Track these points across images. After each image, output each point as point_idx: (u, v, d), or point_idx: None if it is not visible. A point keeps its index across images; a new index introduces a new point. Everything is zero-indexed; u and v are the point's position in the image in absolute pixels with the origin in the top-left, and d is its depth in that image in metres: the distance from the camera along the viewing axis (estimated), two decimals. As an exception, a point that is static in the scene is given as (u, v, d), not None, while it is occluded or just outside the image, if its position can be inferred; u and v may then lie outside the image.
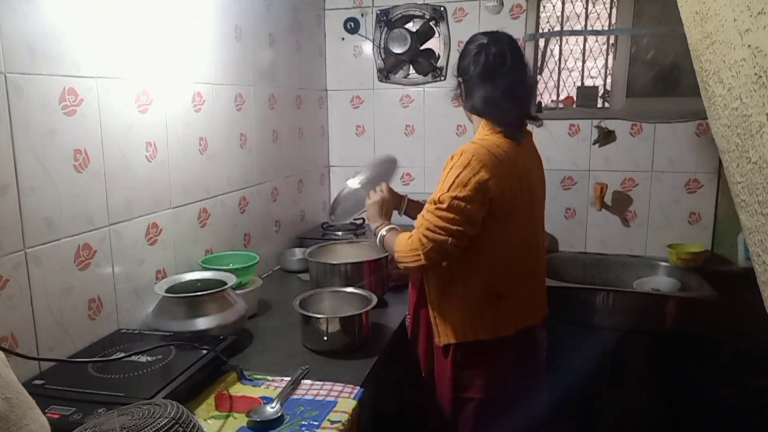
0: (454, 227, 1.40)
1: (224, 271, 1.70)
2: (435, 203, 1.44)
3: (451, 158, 1.46)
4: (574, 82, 2.74)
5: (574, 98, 2.64)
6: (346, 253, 2.02)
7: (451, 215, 1.40)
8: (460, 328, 1.52)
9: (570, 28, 2.65)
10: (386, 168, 2.01)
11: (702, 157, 2.45)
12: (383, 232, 1.63)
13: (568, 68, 2.74)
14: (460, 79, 1.58)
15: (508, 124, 1.52)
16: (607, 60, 2.63)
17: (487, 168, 1.40)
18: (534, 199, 1.58)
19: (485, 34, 1.56)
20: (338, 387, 1.33)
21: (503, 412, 1.58)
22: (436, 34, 2.68)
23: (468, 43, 1.59)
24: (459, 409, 1.58)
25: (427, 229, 1.43)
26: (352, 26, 2.77)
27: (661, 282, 2.37)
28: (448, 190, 1.41)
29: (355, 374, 1.40)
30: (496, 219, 1.46)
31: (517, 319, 1.56)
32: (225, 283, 1.58)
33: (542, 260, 1.66)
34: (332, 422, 1.20)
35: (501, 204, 1.45)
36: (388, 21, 2.69)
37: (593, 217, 2.62)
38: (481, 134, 1.54)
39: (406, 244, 1.49)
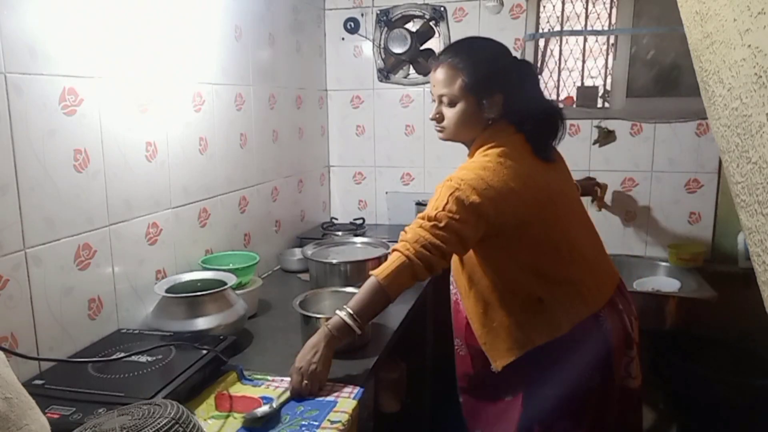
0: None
1: (224, 271, 1.70)
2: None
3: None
4: (574, 82, 2.74)
5: (574, 98, 2.64)
6: (346, 253, 2.02)
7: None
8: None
9: (570, 28, 2.65)
10: None
11: (702, 157, 2.45)
12: (340, 312, 1.36)
13: (568, 68, 2.74)
14: (497, 95, 1.43)
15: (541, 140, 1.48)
16: (607, 60, 2.63)
17: (477, 192, 1.33)
18: (558, 204, 1.53)
19: (498, 42, 1.50)
20: (338, 387, 1.33)
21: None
22: (436, 34, 2.68)
23: (494, 54, 1.47)
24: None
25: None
26: (352, 26, 2.77)
27: (661, 282, 2.37)
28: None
29: (355, 374, 1.40)
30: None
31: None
32: (225, 283, 1.58)
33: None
34: (332, 422, 1.19)
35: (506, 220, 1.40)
36: (388, 21, 2.69)
37: (593, 217, 2.60)
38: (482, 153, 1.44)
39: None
